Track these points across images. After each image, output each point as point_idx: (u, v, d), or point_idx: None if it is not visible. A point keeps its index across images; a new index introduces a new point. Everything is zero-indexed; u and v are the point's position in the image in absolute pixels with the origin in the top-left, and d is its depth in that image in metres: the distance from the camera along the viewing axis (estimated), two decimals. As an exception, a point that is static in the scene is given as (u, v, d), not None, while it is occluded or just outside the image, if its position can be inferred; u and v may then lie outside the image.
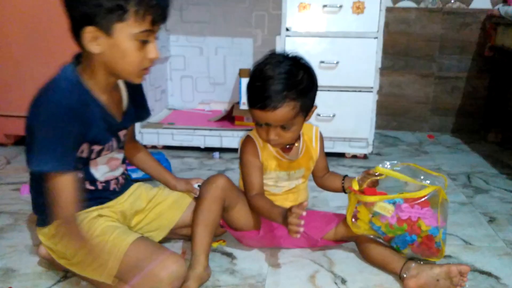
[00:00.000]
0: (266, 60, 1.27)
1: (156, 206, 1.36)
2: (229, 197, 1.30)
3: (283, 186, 1.39)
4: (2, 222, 1.56)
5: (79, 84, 1.09)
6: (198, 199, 1.29)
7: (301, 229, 1.12)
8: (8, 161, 2.17)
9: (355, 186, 1.28)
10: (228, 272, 1.29)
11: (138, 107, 1.29)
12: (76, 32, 1.04)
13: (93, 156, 1.16)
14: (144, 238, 1.17)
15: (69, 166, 1.05)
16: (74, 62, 1.11)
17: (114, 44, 1.03)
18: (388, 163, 1.27)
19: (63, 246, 1.15)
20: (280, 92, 1.21)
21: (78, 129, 1.06)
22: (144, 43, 1.05)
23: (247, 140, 1.36)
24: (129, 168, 1.40)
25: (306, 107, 1.27)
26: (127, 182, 1.33)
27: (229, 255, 1.39)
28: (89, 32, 1.01)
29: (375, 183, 1.29)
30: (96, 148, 1.15)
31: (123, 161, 1.30)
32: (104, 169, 1.22)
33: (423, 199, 1.21)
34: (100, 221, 1.17)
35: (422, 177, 1.25)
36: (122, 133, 1.23)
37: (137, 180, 1.44)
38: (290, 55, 1.28)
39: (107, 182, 1.24)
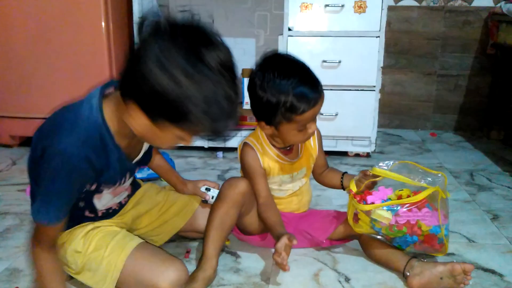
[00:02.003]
0: (275, 56, 1.26)
1: (162, 214, 1.35)
2: (247, 203, 1.30)
3: (287, 189, 1.39)
4: (8, 223, 1.57)
5: (103, 127, 0.98)
6: (217, 201, 1.27)
7: (286, 268, 1.14)
8: (13, 162, 2.19)
9: (353, 188, 1.28)
10: (233, 271, 1.30)
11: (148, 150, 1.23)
12: (125, 92, 0.91)
13: (101, 189, 1.10)
14: (141, 246, 1.14)
15: (64, 217, 1.00)
16: (101, 95, 1.00)
17: (152, 131, 0.92)
18: (385, 163, 1.27)
19: (63, 258, 1.14)
20: (315, 76, 1.22)
21: (88, 177, 1.00)
22: (182, 138, 0.95)
23: (245, 148, 1.33)
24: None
25: None
26: (129, 197, 1.30)
27: (234, 254, 1.40)
28: (135, 110, 0.90)
29: (373, 184, 1.29)
30: (105, 186, 1.10)
31: (131, 183, 1.26)
32: (107, 198, 1.16)
33: (420, 203, 1.21)
34: (95, 232, 1.15)
35: (420, 176, 1.24)
36: (136, 168, 1.19)
37: (142, 180, 1.44)
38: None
39: (108, 208, 1.20)
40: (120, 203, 1.24)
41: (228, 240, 1.44)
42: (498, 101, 2.69)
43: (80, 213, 1.14)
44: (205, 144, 2.35)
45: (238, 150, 1.36)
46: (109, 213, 1.21)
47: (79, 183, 0.99)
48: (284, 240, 1.14)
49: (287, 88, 1.16)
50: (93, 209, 1.15)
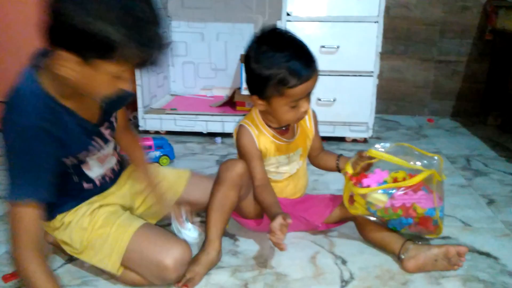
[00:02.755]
0: (272, 31, 1.26)
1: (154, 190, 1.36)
2: (245, 185, 1.30)
3: (285, 172, 1.39)
4: (5, 208, 1.58)
5: (44, 95, 0.99)
6: (215, 184, 1.28)
7: (283, 246, 1.14)
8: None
9: (349, 170, 1.29)
10: (231, 254, 1.32)
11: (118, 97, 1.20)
12: (52, 42, 0.91)
13: (82, 160, 1.13)
14: (146, 226, 1.17)
15: (44, 195, 1.00)
16: (34, 67, 1.01)
17: (88, 74, 0.93)
18: (381, 145, 1.27)
19: (67, 238, 1.17)
20: (311, 53, 1.22)
21: (52, 148, 1.00)
22: (119, 77, 0.96)
23: (241, 130, 1.33)
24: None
25: None
26: (122, 165, 1.33)
27: (232, 236, 1.41)
28: (64, 55, 0.90)
29: (369, 165, 1.30)
30: (82, 155, 1.11)
31: (115, 148, 1.28)
32: (97, 167, 1.19)
33: (416, 186, 1.21)
34: (101, 211, 1.18)
35: (416, 159, 1.25)
36: (103, 128, 1.17)
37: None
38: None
39: (103, 176, 1.22)
40: (113, 170, 1.26)
41: (227, 224, 1.45)
42: (495, 87, 2.70)
43: (79, 186, 1.16)
44: (204, 130, 2.36)
45: (234, 133, 1.36)
46: (107, 182, 1.24)
47: (45, 154, 0.99)
48: (279, 220, 1.15)
49: (280, 61, 1.17)
50: (88, 179, 1.18)
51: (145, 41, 0.90)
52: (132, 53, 0.90)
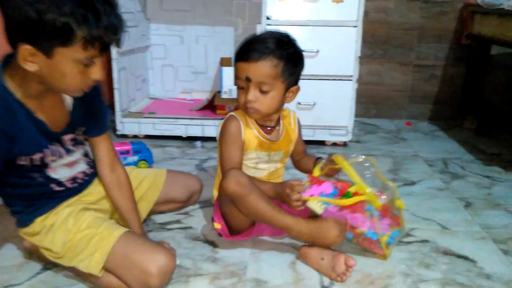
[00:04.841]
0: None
1: (135, 190, 1.34)
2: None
3: (264, 169, 1.38)
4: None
5: (2, 89, 0.99)
6: (236, 202, 1.23)
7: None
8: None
9: (316, 173, 1.31)
10: (210, 260, 1.30)
11: (91, 116, 1.19)
12: (11, 40, 0.92)
13: (37, 163, 1.10)
14: (133, 232, 1.17)
15: None
16: (2, 63, 1.01)
17: (54, 65, 0.94)
18: (357, 155, 1.30)
19: (48, 242, 1.14)
20: (266, 48, 1.24)
21: (2, 141, 0.99)
22: (88, 65, 0.97)
23: (230, 118, 1.33)
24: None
25: (289, 76, 1.27)
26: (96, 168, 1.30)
27: (211, 243, 1.40)
28: (25, 49, 0.90)
29: (338, 170, 1.31)
30: (36, 156, 1.09)
31: (85, 155, 1.25)
32: (64, 171, 1.18)
33: (350, 208, 1.23)
34: (87, 214, 1.17)
35: (371, 181, 1.26)
36: (66, 138, 1.15)
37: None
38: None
39: (74, 178, 1.21)
40: (85, 173, 1.24)
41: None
42: (471, 91, 2.74)
43: (49, 189, 1.16)
44: (184, 133, 2.33)
45: (222, 121, 1.36)
46: (79, 183, 1.23)
47: None
48: (290, 183, 1.20)
49: None
50: (58, 182, 1.17)
51: (102, 19, 0.91)
52: (92, 33, 0.90)
